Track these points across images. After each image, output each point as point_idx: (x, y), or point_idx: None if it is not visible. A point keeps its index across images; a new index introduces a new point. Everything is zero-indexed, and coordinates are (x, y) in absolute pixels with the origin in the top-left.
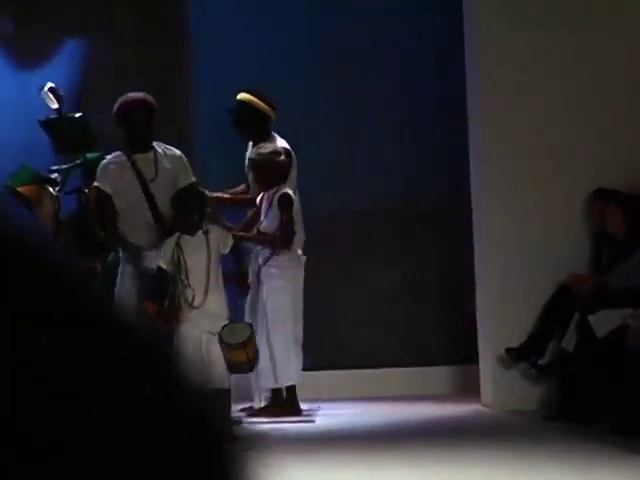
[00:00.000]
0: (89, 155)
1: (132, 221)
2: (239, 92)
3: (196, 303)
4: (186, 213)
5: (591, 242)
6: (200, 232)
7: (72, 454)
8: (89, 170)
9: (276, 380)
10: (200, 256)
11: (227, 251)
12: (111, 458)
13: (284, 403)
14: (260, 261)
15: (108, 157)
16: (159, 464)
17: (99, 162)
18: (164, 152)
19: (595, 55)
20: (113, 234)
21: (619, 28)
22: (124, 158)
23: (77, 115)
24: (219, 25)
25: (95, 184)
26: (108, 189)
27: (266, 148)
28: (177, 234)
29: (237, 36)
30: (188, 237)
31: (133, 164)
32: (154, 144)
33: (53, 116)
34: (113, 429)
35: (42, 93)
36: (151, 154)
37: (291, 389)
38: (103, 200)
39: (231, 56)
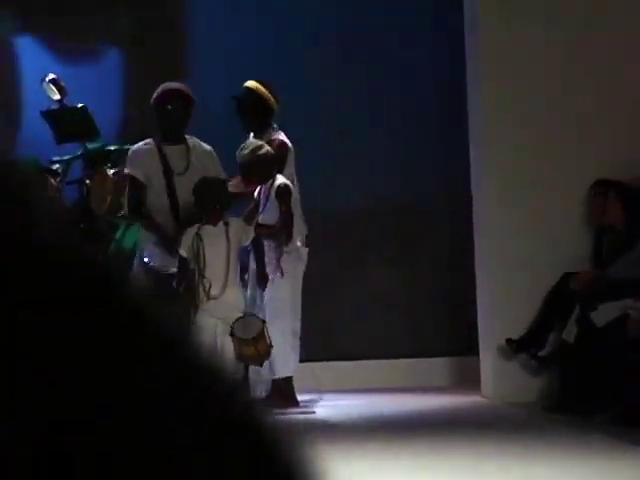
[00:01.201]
0: (90, 146)
1: (152, 212)
2: (239, 91)
3: (214, 294)
4: (205, 201)
5: (591, 233)
6: (221, 223)
7: (74, 444)
8: (90, 161)
9: (273, 372)
10: (219, 247)
11: (248, 243)
12: (114, 449)
13: (283, 394)
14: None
15: (138, 143)
16: (166, 458)
17: (100, 153)
18: (194, 146)
19: (595, 54)
20: (149, 223)
21: (619, 27)
22: (154, 147)
23: (79, 106)
24: (219, 25)
25: (127, 171)
26: (141, 177)
27: (247, 147)
28: (197, 224)
29: (237, 36)
30: (208, 227)
31: (161, 155)
32: (187, 137)
33: (54, 107)
34: (116, 420)
35: (44, 84)
36: (183, 147)
37: (288, 380)
38: (137, 189)
39: (231, 56)
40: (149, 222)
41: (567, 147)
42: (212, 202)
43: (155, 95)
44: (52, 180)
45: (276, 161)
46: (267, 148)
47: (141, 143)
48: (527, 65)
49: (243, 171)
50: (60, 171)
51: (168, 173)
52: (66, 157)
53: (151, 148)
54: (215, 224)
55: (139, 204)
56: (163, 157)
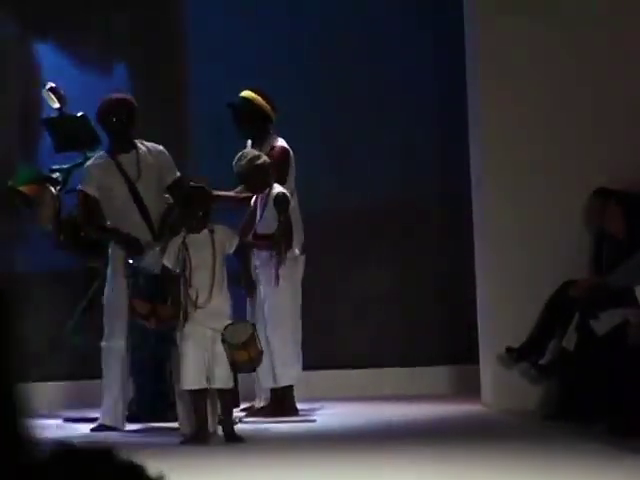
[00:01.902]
0: (90, 154)
1: (121, 222)
2: (239, 92)
3: (200, 302)
4: (190, 210)
5: (591, 242)
6: (206, 231)
7: None
8: None
9: (275, 380)
10: (205, 255)
11: (232, 250)
12: None
13: (283, 403)
14: (257, 262)
15: (91, 159)
16: None
17: None
18: (147, 149)
19: (595, 55)
20: (106, 231)
21: (619, 27)
22: (109, 159)
23: (79, 114)
24: (218, 25)
25: (79, 187)
26: (95, 193)
27: (245, 157)
28: (183, 233)
29: (237, 36)
30: (194, 236)
31: (118, 165)
32: (136, 142)
33: (54, 115)
34: None
35: (43, 92)
36: (133, 153)
37: (288, 389)
38: (90, 204)
39: (230, 56)
40: (115, 235)
41: (568, 148)
42: (197, 209)
43: (97, 110)
44: (52, 189)
45: (274, 170)
46: (264, 158)
47: (94, 158)
48: (527, 66)
49: (243, 180)
50: (60, 180)
51: (129, 180)
52: (66, 166)
53: (106, 161)
54: (199, 231)
55: (93, 219)
56: (119, 166)
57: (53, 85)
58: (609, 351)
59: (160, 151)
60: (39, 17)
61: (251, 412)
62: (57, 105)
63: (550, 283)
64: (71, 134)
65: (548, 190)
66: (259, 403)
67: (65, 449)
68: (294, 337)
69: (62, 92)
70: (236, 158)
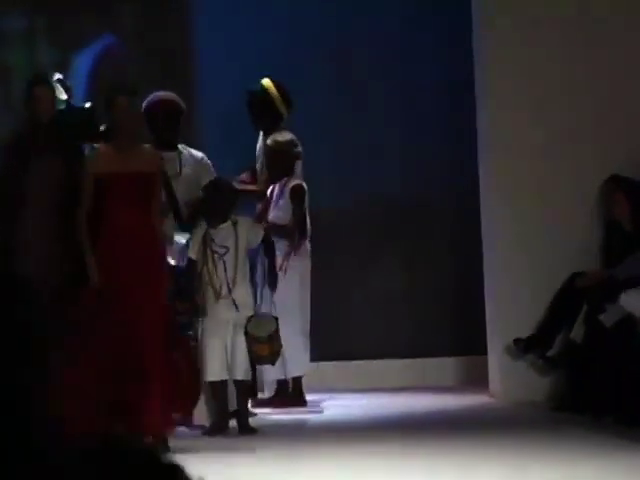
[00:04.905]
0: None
1: None
2: (242, 89)
3: (222, 293)
4: (209, 201)
5: (599, 234)
6: (229, 223)
7: None
8: None
9: (284, 372)
10: (228, 247)
11: (258, 242)
12: None
13: (290, 394)
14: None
15: None
16: None
17: None
18: (188, 153)
19: (596, 54)
20: None
21: (620, 27)
22: None
23: (86, 106)
24: (222, 22)
25: None
26: None
27: (283, 137)
28: (205, 225)
29: (239, 35)
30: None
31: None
32: (179, 146)
33: (62, 107)
34: None
35: None
36: (175, 154)
37: (297, 380)
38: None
39: (233, 54)
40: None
41: (570, 147)
42: (216, 201)
43: (146, 104)
44: None
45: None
46: (299, 150)
47: None
48: (529, 65)
49: (271, 157)
50: None
51: (165, 176)
52: None
53: None
54: (215, 226)
55: None
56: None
57: (60, 76)
58: (617, 343)
59: (199, 157)
60: (41, 15)
61: (259, 403)
62: (65, 96)
63: (557, 276)
64: (79, 125)
65: (553, 186)
66: (268, 394)
67: (102, 447)
68: (302, 328)
69: (69, 84)
70: (275, 134)
